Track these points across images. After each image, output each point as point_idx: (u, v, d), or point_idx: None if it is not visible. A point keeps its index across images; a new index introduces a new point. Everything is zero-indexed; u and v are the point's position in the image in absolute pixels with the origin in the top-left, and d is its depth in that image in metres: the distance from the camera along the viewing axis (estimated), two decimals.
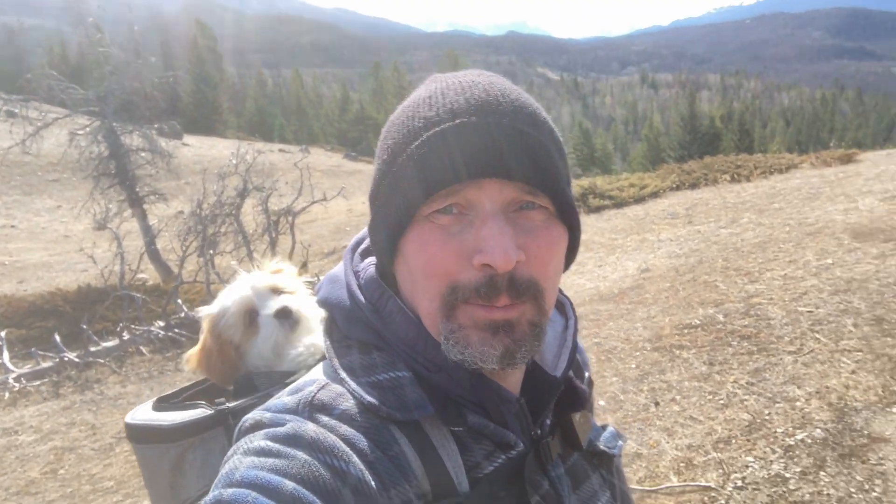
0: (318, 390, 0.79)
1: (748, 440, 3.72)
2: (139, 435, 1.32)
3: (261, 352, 1.40)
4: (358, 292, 0.87)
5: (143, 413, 1.37)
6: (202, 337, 1.46)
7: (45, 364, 7.74)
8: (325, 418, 0.76)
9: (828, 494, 3.13)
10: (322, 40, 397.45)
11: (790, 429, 3.74)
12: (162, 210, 13.97)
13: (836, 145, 19.24)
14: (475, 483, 0.78)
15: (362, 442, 0.74)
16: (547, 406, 0.88)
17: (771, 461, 3.48)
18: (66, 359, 7.73)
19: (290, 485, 0.64)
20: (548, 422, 0.90)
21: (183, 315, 9.06)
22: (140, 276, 10.92)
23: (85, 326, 8.06)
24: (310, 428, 0.72)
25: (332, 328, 0.90)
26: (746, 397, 4.21)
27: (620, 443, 1.01)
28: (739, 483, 3.35)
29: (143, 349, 8.28)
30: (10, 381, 7.34)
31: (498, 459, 0.81)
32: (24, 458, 5.53)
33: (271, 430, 0.72)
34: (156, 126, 14.69)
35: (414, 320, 0.82)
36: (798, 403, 3.99)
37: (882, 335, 4.69)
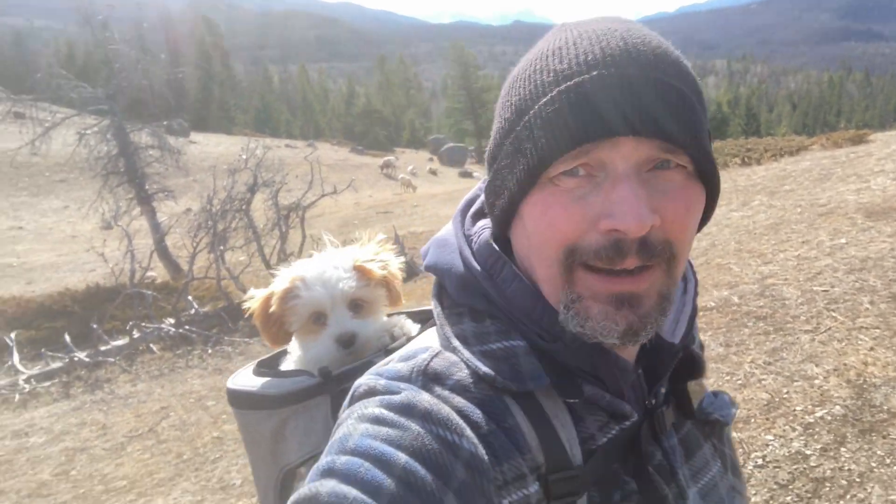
0: (432, 358, 0.77)
1: (767, 419, 3.67)
2: (241, 401, 1.27)
3: (307, 357, 1.34)
4: (471, 258, 0.82)
5: (245, 378, 1.31)
6: (275, 294, 1.36)
7: (55, 365, 7.78)
8: (438, 388, 0.74)
9: (849, 470, 3.08)
10: (327, 35, 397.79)
11: (809, 406, 3.68)
12: (170, 208, 13.98)
13: (846, 127, 19.06)
14: (589, 455, 0.75)
15: (476, 414, 0.71)
16: (664, 374, 0.83)
17: (791, 439, 3.42)
18: (76, 359, 7.75)
19: (402, 457, 0.64)
20: (662, 391, 0.86)
21: (193, 312, 9.07)
22: (149, 273, 10.93)
23: (95, 326, 8.08)
24: (424, 398, 0.71)
25: (442, 294, 0.87)
26: (764, 377, 4.14)
27: (733, 410, 0.95)
28: (760, 461, 3.30)
29: (154, 347, 8.29)
30: (21, 382, 7.37)
31: (612, 430, 0.78)
32: (35, 459, 5.52)
33: (386, 397, 0.71)
34: (164, 123, 14.66)
35: (530, 288, 0.77)
36: (816, 381, 3.93)
37: None
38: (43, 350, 8.00)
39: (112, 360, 7.83)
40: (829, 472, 3.10)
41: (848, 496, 2.92)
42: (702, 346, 1.00)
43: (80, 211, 13.17)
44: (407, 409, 0.69)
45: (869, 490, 2.92)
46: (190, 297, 9.35)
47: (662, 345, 0.83)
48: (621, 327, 0.70)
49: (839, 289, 5.27)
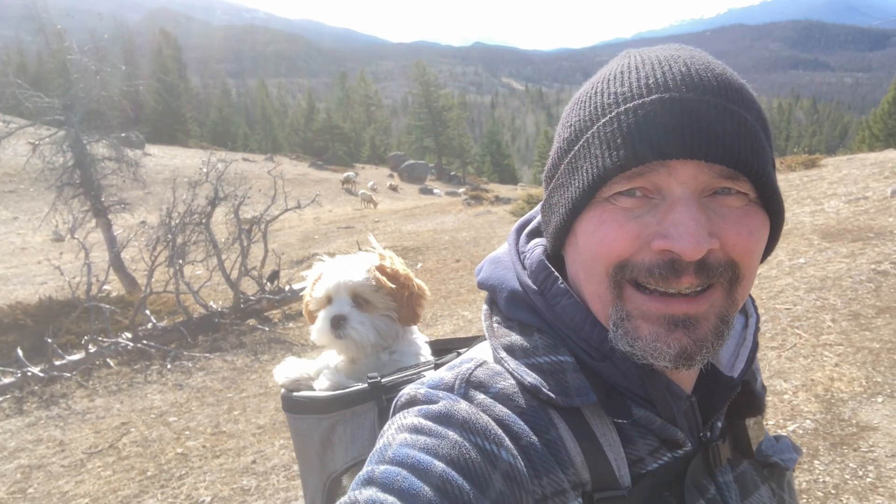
0: (476, 367, 0.78)
1: None
2: (292, 406, 1.34)
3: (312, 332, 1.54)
4: (523, 274, 0.83)
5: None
6: (313, 279, 1.60)
7: (7, 380, 7.45)
8: (480, 396, 0.74)
9: (823, 482, 3.15)
10: (288, 51, 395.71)
11: (781, 421, 3.76)
12: (125, 220, 13.62)
13: (798, 152, 19.76)
14: (638, 478, 0.74)
15: (517, 424, 0.71)
16: (720, 408, 0.82)
17: None
18: (29, 373, 7.45)
19: (439, 466, 0.64)
20: (719, 424, 0.84)
21: (150, 326, 8.83)
22: (105, 287, 10.62)
23: (50, 340, 7.79)
24: (462, 407, 0.71)
25: (493, 309, 0.88)
26: None
27: (795, 455, 0.93)
28: None
29: (111, 361, 8.04)
30: None
31: (663, 457, 0.76)
32: None
33: (424, 407, 0.72)
34: (123, 135, 14.33)
35: (581, 304, 0.77)
36: (786, 396, 4.03)
37: (860, 329, 4.77)
38: None
39: (68, 374, 7.55)
40: (804, 483, 3.17)
41: None
42: (764, 388, 0.99)
43: (31, 223, 12.71)
44: (445, 418, 0.69)
45: (844, 501, 3.00)
46: (147, 311, 9.10)
47: (720, 378, 0.82)
48: (674, 350, 0.68)
49: (801, 307, 5.42)
